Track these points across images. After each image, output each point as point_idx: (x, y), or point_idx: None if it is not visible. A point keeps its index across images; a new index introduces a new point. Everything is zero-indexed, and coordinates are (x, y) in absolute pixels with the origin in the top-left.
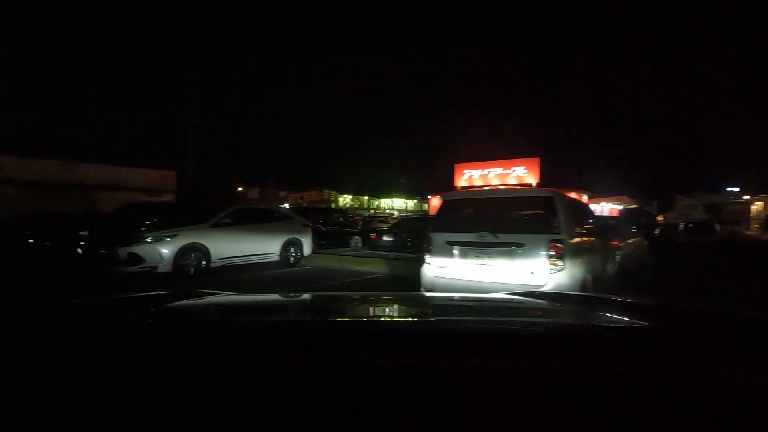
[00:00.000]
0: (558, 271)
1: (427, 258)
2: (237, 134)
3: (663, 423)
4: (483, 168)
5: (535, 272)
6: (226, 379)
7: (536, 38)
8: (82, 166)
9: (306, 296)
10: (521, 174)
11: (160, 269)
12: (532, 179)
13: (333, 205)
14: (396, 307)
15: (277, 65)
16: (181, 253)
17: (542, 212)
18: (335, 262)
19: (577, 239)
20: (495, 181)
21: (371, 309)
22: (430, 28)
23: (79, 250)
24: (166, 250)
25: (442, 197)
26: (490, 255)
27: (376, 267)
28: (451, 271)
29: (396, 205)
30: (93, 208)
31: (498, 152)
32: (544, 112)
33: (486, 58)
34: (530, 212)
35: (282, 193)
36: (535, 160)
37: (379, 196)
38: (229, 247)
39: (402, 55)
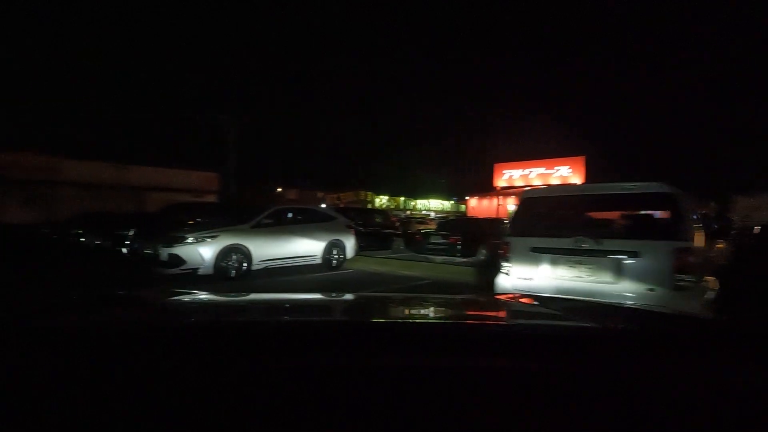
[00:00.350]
0: (688, 286)
1: (505, 266)
2: (275, 134)
3: (651, 423)
4: (524, 168)
5: (656, 289)
6: (226, 379)
7: (583, 31)
8: (132, 168)
9: (306, 296)
10: (565, 174)
11: (201, 271)
12: (577, 179)
13: (369, 206)
14: (396, 307)
15: (315, 65)
16: (223, 255)
17: (660, 213)
18: (379, 265)
19: (699, 246)
20: (537, 182)
21: (371, 309)
22: (464, 26)
23: (125, 250)
24: (207, 252)
25: (521, 195)
26: (590, 266)
27: (424, 272)
28: (538, 284)
29: (432, 206)
30: (141, 209)
31: (540, 151)
32: (589, 108)
33: (525, 53)
34: (643, 213)
35: (319, 194)
36: (580, 159)
37: (415, 197)
38: (271, 248)
39: (438, 53)
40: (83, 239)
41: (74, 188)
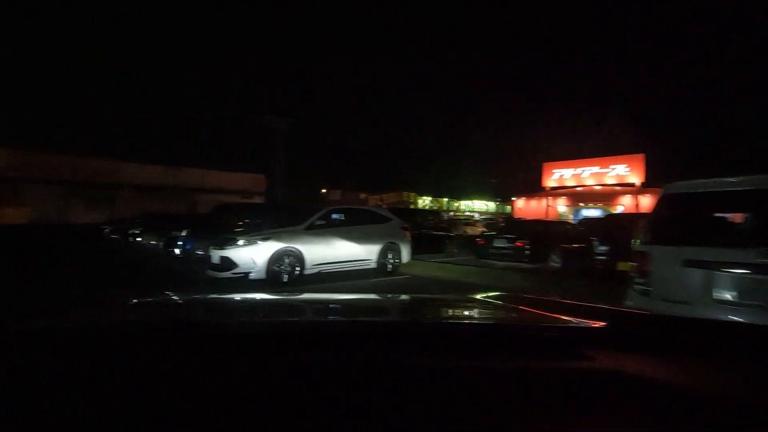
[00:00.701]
0: None
1: (641, 284)
2: (318, 135)
3: (652, 422)
4: (576, 167)
5: None
6: (226, 379)
7: (636, 23)
8: (184, 170)
9: (306, 296)
10: (622, 173)
11: (252, 275)
12: (635, 178)
13: (411, 207)
14: (397, 307)
15: (357, 66)
16: (275, 259)
17: None
18: (438, 271)
19: None
20: (590, 181)
21: (372, 309)
22: (510, 23)
23: (177, 251)
24: (259, 255)
25: (663, 190)
26: None
27: (490, 280)
28: (695, 310)
29: (476, 207)
30: (192, 209)
31: (590, 150)
32: (648, 103)
33: (577, 49)
34: None
35: (362, 195)
36: (639, 157)
37: (458, 197)
38: (324, 251)
39: (484, 50)
40: (139, 239)
41: (132, 190)
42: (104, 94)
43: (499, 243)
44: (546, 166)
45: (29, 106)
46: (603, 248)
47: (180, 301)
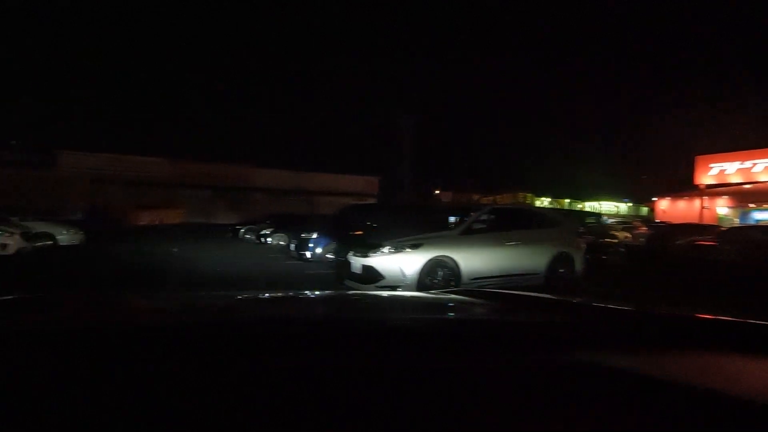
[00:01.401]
0: None
1: None
2: (430, 135)
3: (651, 420)
4: (743, 159)
5: None
6: (226, 379)
7: None
8: (306, 175)
9: (306, 295)
10: None
11: (402, 290)
12: None
13: (557, 207)
14: (397, 307)
15: (477, 64)
16: (427, 270)
17: None
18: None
19: None
20: (765, 176)
21: (372, 309)
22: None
23: (308, 254)
24: (409, 265)
25: None
26: None
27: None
28: None
29: (604, 208)
30: (313, 211)
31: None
32: None
33: (727, 21)
34: None
35: (475, 196)
36: None
37: (582, 198)
38: (484, 262)
39: (607, 44)
40: (270, 239)
41: (262, 193)
42: (232, 103)
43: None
44: (700, 159)
45: (178, 119)
46: None
47: (180, 301)
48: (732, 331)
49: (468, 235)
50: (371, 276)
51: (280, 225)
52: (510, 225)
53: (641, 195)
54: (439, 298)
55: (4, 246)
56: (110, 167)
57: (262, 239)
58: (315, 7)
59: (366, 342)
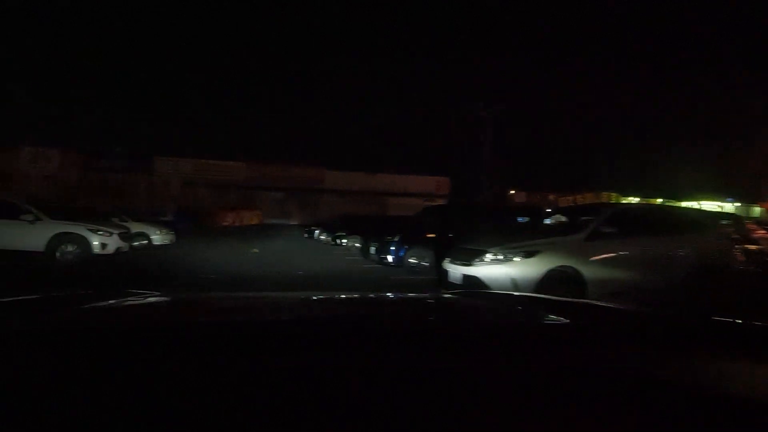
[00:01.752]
0: None
1: None
2: (502, 133)
3: (651, 420)
4: None
5: None
6: (226, 379)
7: None
8: (377, 176)
9: (306, 295)
10: None
11: None
12: None
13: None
14: (397, 306)
15: (553, 61)
16: (546, 284)
17: None
18: None
19: None
20: None
21: (372, 309)
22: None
23: (390, 258)
24: (523, 277)
25: None
26: None
27: None
28: None
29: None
30: (383, 212)
31: None
32: None
33: None
34: None
35: (551, 196)
36: None
37: (677, 198)
38: (614, 273)
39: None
40: (344, 241)
41: (334, 195)
42: (304, 105)
43: None
44: None
45: (251, 122)
46: None
47: (180, 301)
48: (732, 332)
49: (595, 240)
50: (475, 288)
51: (352, 226)
52: (644, 228)
53: (753, 194)
54: (440, 298)
55: (104, 245)
56: (197, 171)
57: (337, 240)
58: (398, 4)
59: (366, 342)
